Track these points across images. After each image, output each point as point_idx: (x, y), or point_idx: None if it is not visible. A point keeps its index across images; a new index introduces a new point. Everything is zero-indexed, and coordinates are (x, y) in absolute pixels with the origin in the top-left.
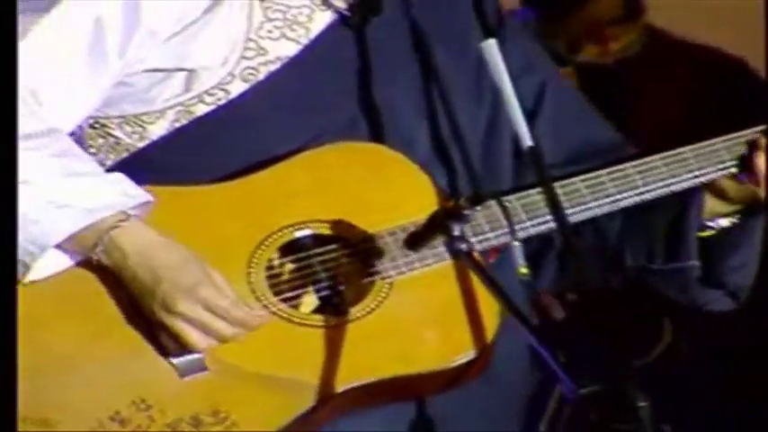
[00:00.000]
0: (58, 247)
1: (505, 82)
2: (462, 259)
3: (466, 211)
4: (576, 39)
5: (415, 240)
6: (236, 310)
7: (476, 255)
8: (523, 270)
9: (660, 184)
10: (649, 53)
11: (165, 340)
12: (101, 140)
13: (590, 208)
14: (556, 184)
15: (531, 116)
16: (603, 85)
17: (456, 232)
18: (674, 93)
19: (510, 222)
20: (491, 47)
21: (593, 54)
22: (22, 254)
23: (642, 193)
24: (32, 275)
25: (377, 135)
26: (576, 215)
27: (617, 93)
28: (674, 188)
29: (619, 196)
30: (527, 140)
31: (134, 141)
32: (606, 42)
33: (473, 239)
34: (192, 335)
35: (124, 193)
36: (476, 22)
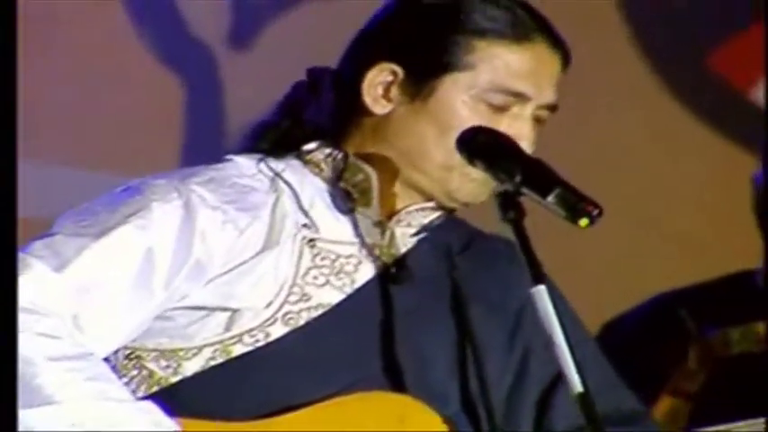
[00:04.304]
0: None
1: (555, 327)
2: None
3: None
4: None
5: None
6: None
7: None
8: None
9: None
10: None
11: None
12: (134, 372)
13: None
14: None
15: (552, 383)
16: None
17: None
18: None
19: None
20: (541, 293)
21: None
22: None
23: None
24: None
25: (410, 388)
26: None
27: None
28: None
29: None
30: (577, 386)
31: (167, 375)
32: None
33: None
34: None
35: (154, 422)
36: (516, 280)
